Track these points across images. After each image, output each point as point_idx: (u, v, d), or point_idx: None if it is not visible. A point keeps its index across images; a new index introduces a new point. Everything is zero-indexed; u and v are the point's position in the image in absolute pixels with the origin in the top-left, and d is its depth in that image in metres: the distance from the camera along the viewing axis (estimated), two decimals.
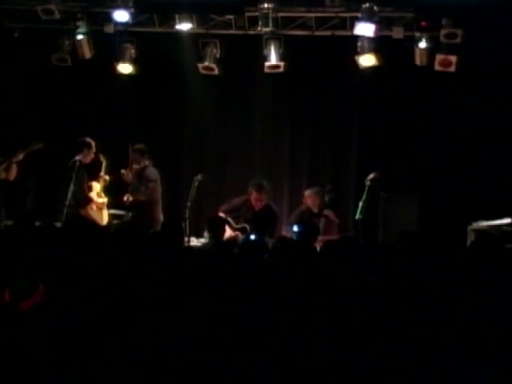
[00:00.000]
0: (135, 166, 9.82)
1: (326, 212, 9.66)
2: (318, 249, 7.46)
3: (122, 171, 9.80)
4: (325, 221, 9.54)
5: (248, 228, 9.47)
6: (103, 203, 9.98)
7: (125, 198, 9.75)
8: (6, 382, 3.72)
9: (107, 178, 10.00)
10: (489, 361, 4.01)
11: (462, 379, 3.89)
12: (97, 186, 9.97)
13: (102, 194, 9.99)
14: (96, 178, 10.00)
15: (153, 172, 9.88)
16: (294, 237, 8.14)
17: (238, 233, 9.43)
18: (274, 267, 5.60)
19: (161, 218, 9.73)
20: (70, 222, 7.72)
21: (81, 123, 10.94)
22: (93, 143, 9.93)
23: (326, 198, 9.77)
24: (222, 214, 9.53)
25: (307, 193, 9.89)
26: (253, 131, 11.16)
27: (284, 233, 9.67)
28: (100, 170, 10.01)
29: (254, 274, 5.32)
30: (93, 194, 9.91)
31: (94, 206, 9.89)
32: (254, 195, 9.59)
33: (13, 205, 10.10)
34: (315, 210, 9.72)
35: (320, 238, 8.10)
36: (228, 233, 9.33)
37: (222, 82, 10.93)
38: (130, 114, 11.14)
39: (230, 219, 9.49)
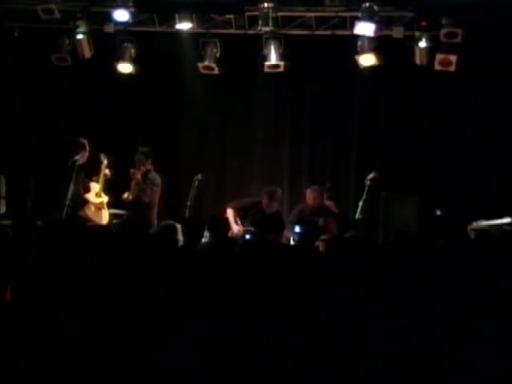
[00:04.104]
0: (142, 168, 9.81)
1: (327, 203, 9.69)
2: (320, 248, 7.46)
3: (132, 170, 9.76)
4: (324, 218, 9.55)
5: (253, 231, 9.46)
6: (102, 203, 9.88)
7: (125, 196, 9.74)
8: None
9: (108, 172, 9.89)
10: (489, 359, 4.01)
11: (462, 377, 3.90)
12: (95, 186, 9.89)
13: (102, 194, 9.91)
14: (94, 177, 9.95)
15: (157, 176, 9.87)
16: (296, 237, 8.13)
17: (240, 230, 9.44)
18: (274, 266, 5.59)
19: (155, 222, 9.66)
20: (67, 223, 7.76)
21: (81, 123, 10.93)
22: (87, 143, 9.89)
23: (325, 196, 9.81)
24: (230, 210, 9.54)
25: (309, 191, 9.90)
26: (253, 131, 11.15)
27: (286, 232, 9.64)
28: (99, 170, 9.95)
29: (255, 273, 5.32)
30: (90, 195, 9.82)
31: (92, 207, 9.81)
32: (265, 201, 9.58)
33: (13, 204, 10.10)
34: (315, 207, 9.75)
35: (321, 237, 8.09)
36: (236, 228, 9.36)
37: (222, 81, 10.93)
38: (129, 114, 11.13)
39: (237, 218, 9.49)
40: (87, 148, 9.84)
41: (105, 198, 9.92)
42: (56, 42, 10.70)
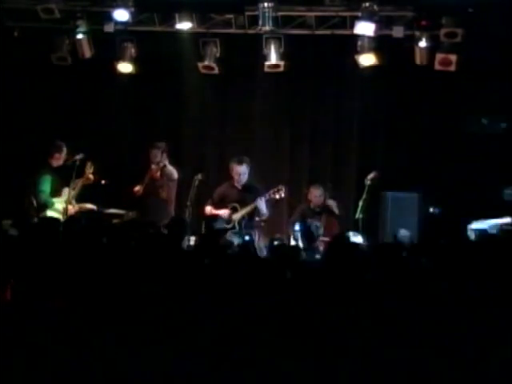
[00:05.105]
0: (159, 163, 9.79)
1: (329, 202, 9.70)
2: (321, 248, 7.47)
3: (153, 166, 9.79)
4: (326, 218, 9.56)
5: (238, 206, 9.53)
6: (67, 210, 9.56)
7: (137, 188, 9.77)
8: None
9: (91, 177, 9.67)
10: (489, 359, 4.02)
11: (462, 377, 3.90)
12: (70, 192, 9.66)
13: (73, 202, 9.67)
14: (73, 183, 9.68)
15: (173, 171, 9.96)
16: (296, 236, 8.14)
17: (226, 211, 9.55)
18: (272, 268, 5.58)
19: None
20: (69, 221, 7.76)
21: (80, 122, 10.95)
22: (63, 146, 9.82)
23: (327, 196, 9.84)
24: (208, 207, 9.62)
25: (312, 189, 9.91)
26: (253, 131, 11.16)
27: (290, 233, 9.63)
28: (80, 176, 9.67)
29: (253, 274, 5.32)
30: (57, 199, 9.68)
31: (53, 212, 9.58)
32: (235, 170, 9.66)
33: (12, 204, 10.07)
34: (317, 207, 9.76)
35: (322, 238, 8.10)
36: (222, 211, 9.54)
37: (222, 81, 10.94)
38: (129, 114, 11.13)
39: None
40: (63, 151, 9.78)
41: (74, 207, 9.64)
42: (56, 42, 10.69)
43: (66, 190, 9.71)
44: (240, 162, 9.69)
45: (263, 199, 9.50)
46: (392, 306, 4.58)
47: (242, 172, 9.66)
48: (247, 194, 9.66)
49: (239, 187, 9.72)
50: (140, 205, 9.86)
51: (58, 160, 9.80)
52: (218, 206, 9.67)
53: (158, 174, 9.80)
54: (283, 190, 9.50)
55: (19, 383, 3.83)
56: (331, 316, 4.35)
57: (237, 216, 9.52)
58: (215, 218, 9.54)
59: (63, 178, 9.78)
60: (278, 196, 9.50)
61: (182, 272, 5.24)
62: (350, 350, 4.08)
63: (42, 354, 3.88)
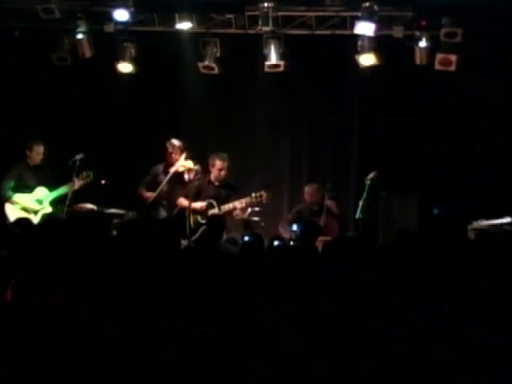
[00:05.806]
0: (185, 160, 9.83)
1: (328, 203, 9.70)
2: (320, 248, 7.46)
3: (185, 162, 9.80)
4: (325, 218, 9.55)
5: (214, 203, 9.55)
6: (31, 209, 9.58)
7: (148, 194, 9.82)
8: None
9: (77, 185, 9.62)
10: (488, 360, 4.02)
11: (463, 378, 3.90)
12: (43, 192, 9.68)
13: (46, 203, 9.66)
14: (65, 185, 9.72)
15: None
16: (294, 236, 8.12)
17: (203, 204, 9.58)
18: (272, 268, 5.58)
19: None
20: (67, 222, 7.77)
21: (80, 122, 10.95)
22: (36, 146, 9.84)
23: (327, 196, 9.83)
24: (184, 201, 9.57)
25: (307, 189, 9.92)
26: (253, 131, 11.16)
27: (281, 231, 9.64)
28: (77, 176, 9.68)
29: (253, 274, 5.32)
30: (24, 196, 9.67)
31: (11, 207, 9.60)
32: (217, 165, 9.67)
33: None
34: (315, 206, 9.76)
35: (321, 237, 8.08)
36: (199, 205, 9.55)
37: (222, 81, 10.94)
38: (129, 114, 11.13)
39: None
40: (34, 150, 9.81)
41: (44, 208, 9.67)
42: (56, 42, 10.70)
43: (40, 189, 9.74)
44: (222, 158, 9.73)
45: (243, 202, 9.49)
46: (392, 306, 4.58)
47: (223, 168, 9.69)
48: (224, 190, 9.70)
49: (216, 183, 9.73)
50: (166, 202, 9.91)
51: (31, 159, 9.86)
52: (192, 201, 9.66)
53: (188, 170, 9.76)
54: (265, 195, 9.45)
55: None
56: (332, 317, 4.36)
57: (214, 212, 9.52)
58: (190, 211, 9.45)
59: (39, 177, 9.85)
60: (259, 201, 9.46)
61: (180, 271, 5.25)
62: (350, 350, 4.08)
63: (42, 354, 3.88)
